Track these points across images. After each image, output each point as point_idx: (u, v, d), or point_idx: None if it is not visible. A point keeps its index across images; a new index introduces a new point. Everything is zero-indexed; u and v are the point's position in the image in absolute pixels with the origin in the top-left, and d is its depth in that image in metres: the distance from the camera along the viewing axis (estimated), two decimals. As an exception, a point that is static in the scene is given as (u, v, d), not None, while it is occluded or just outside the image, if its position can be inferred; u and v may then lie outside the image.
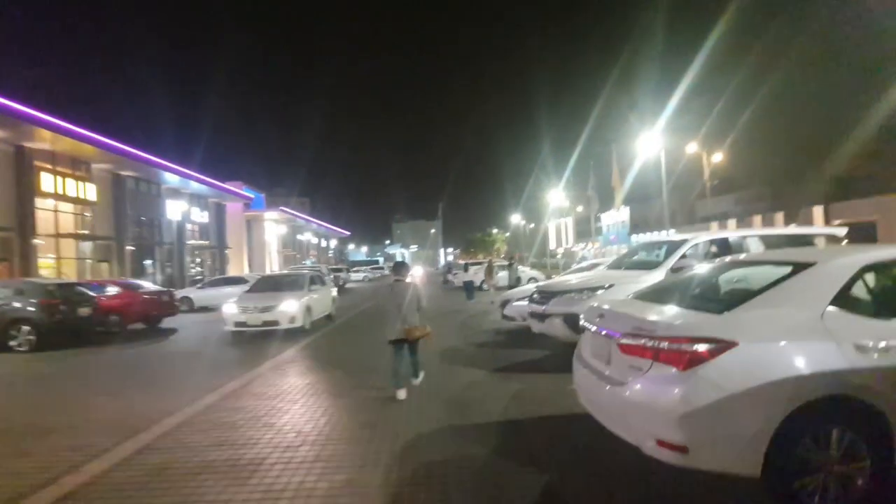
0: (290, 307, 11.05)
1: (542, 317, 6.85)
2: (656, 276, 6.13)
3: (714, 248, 6.73)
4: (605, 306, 3.69)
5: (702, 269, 4.25)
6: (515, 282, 18.82)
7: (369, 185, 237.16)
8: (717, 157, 42.40)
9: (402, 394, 5.51)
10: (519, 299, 9.71)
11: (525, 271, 26.75)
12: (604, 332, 3.48)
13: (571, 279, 7.56)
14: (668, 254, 6.58)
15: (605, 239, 60.24)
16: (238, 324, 11.03)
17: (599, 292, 6.34)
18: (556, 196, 35.22)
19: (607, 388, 3.27)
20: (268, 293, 11.77)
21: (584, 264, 12.53)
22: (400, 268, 6.38)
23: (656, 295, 3.84)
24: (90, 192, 24.22)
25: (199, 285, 19.77)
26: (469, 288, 19.43)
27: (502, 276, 25.65)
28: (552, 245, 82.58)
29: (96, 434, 4.72)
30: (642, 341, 3.01)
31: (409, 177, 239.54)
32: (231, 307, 11.31)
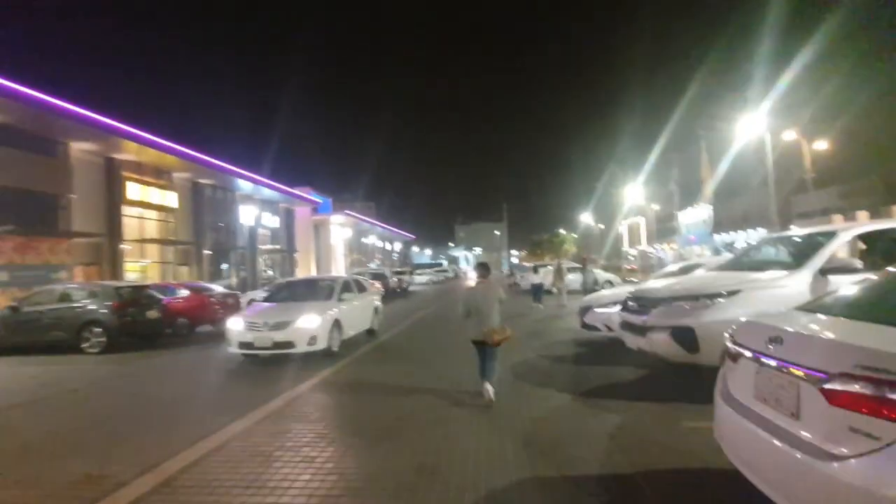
0: (309, 323, 8.46)
1: (641, 329, 5.50)
2: (801, 280, 4.75)
3: (880, 243, 5.14)
4: (784, 325, 2.44)
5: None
6: (592, 284, 17.39)
7: (433, 188, 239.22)
8: (821, 145, 37.51)
9: (489, 395, 5.37)
10: (602, 305, 8.38)
11: (598, 274, 24.86)
12: (785, 367, 2.24)
13: (675, 283, 6.06)
14: (812, 250, 5.03)
15: (684, 239, 55.72)
16: (243, 345, 8.54)
17: (721, 300, 4.95)
18: (633, 192, 32.52)
19: (797, 456, 2.05)
20: (285, 304, 9.43)
21: (672, 267, 10.78)
22: (482, 268, 6.27)
23: (853, 309, 2.53)
24: (172, 199, 25.54)
25: (266, 288, 20.02)
26: (537, 291, 18.51)
27: (572, 279, 24.09)
28: (626, 246, 78.04)
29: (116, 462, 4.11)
30: (883, 391, 1.77)
31: (472, 178, 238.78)
32: (236, 322, 8.91)
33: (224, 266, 31.20)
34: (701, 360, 4.84)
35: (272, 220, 36.55)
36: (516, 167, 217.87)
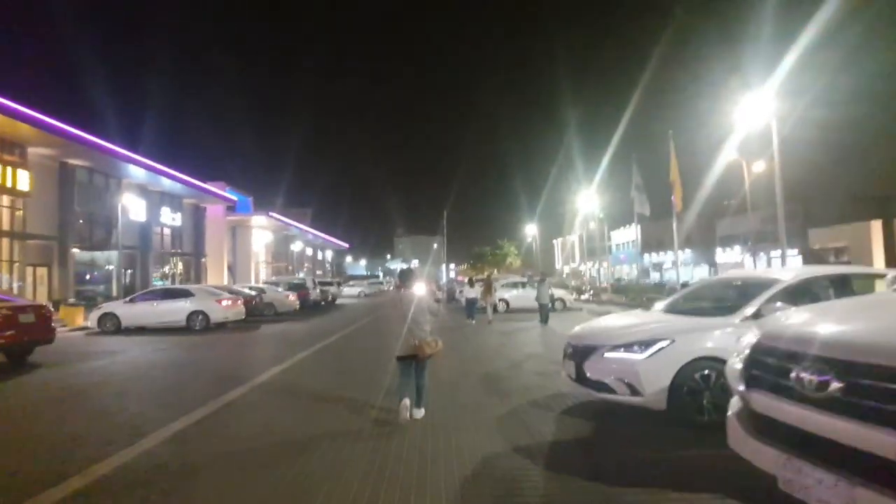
0: None
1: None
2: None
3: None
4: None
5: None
6: (548, 302, 16.21)
7: (371, 200, 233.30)
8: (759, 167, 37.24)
9: (406, 414, 4.91)
10: (620, 346, 4.93)
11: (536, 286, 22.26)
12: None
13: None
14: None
15: (615, 258, 55.49)
16: None
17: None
18: (586, 201, 30.07)
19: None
20: None
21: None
22: (407, 276, 5.70)
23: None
24: (22, 180, 19.78)
25: (128, 298, 15.13)
26: (471, 306, 17.19)
27: (516, 295, 21.12)
28: (558, 264, 77.64)
29: None
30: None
31: (411, 191, 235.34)
32: None
33: (110, 267, 25.39)
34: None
35: (173, 218, 30.85)
36: (458, 180, 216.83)
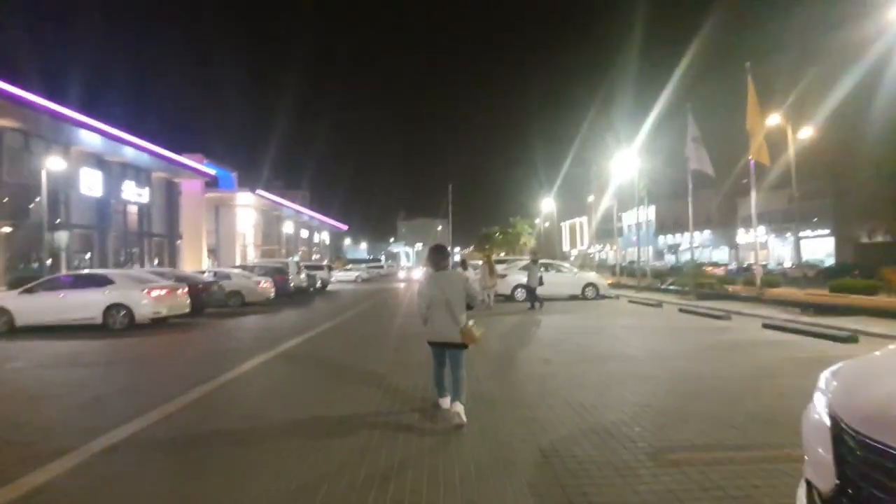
0: None
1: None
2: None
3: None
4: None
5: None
6: (539, 283, 14.38)
7: (372, 181, 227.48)
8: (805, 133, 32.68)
9: (446, 403, 4.46)
10: None
11: (567, 270, 18.39)
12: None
13: None
14: None
15: (627, 240, 51.67)
16: None
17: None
18: (625, 163, 24.82)
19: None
20: None
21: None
22: (438, 254, 4.57)
23: None
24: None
25: (24, 288, 11.39)
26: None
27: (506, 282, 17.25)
28: (566, 246, 73.32)
29: None
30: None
31: (415, 172, 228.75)
32: None
33: (60, 247, 21.74)
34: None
35: (139, 194, 27.04)
36: (464, 155, 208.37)
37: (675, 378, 5.84)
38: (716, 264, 42.51)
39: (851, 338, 7.48)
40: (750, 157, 14.17)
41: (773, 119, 18.50)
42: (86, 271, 12.87)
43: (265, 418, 4.60)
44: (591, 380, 5.79)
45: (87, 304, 10.82)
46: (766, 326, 9.27)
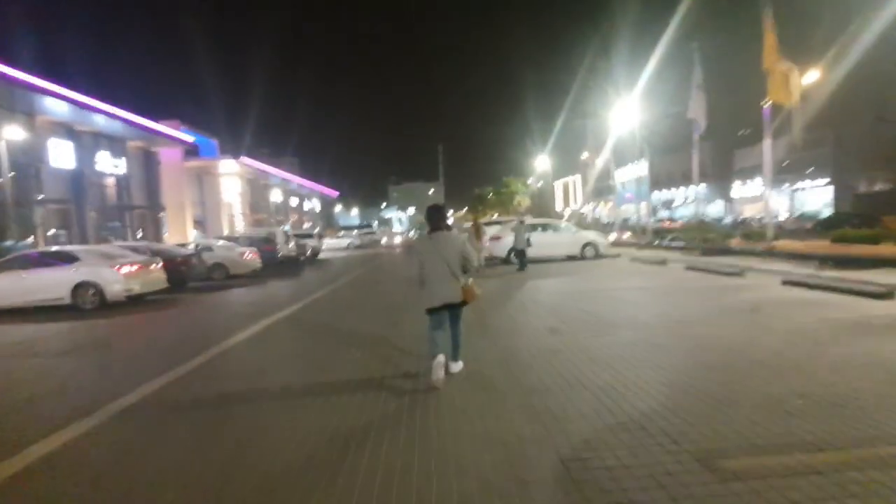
0: None
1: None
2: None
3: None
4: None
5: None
6: (527, 244, 14.20)
7: (364, 148, 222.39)
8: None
9: (441, 372, 4.15)
10: None
11: (565, 230, 17.56)
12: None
13: None
14: None
15: (621, 197, 50.66)
16: None
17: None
18: (624, 114, 23.70)
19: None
20: None
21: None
22: (435, 215, 4.46)
23: None
24: None
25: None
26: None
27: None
28: (558, 206, 72.13)
29: None
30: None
31: (405, 133, 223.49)
32: None
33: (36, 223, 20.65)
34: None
35: (115, 165, 25.70)
36: (455, 113, 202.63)
37: (700, 349, 5.16)
38: (663, 220, 41.90)
39: (888, 293, 6.81)
40: (766, 101, 13.16)
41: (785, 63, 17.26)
42: (54, 248, 11.93)
43: (229, 416, 3.88)
44: (604, 354, 5.11)
45: (53, 284, 10.00)
46: (786, 283, 8.60)
